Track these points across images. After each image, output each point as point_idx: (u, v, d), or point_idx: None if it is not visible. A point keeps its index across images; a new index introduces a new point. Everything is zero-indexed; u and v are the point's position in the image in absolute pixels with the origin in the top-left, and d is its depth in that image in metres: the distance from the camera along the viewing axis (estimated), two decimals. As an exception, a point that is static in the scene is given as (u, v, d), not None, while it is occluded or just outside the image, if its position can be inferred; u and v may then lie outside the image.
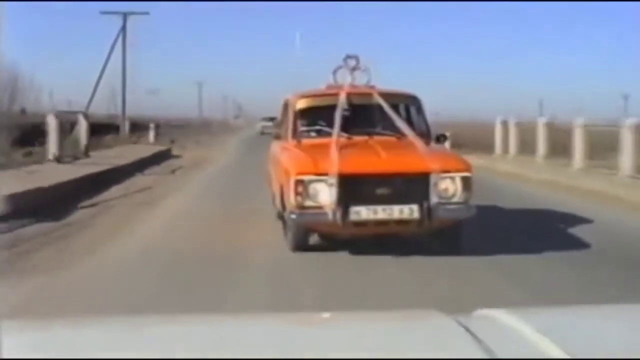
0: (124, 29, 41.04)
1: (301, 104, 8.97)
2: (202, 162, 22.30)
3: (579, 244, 8.10)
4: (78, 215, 10.24)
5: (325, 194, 7.33)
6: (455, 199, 7.47)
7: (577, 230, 8.95)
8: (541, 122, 20.63)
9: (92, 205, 11.29)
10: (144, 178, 16.13)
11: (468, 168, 7.72)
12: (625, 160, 14.77)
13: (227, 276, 6.51)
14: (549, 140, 19.83)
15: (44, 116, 18.23)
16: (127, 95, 41.83)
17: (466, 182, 7.50)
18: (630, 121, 15.07)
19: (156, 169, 19.15)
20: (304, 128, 8.78)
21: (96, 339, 1.43)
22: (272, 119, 54.47)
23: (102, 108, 44.46)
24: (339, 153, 7.60)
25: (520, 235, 8.71)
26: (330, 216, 7.26)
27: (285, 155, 8.43)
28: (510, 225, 9.57)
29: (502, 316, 1.48)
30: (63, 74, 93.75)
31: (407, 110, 9.10)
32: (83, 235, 8.73)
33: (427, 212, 7.29)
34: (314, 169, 7.47)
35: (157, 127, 35.95)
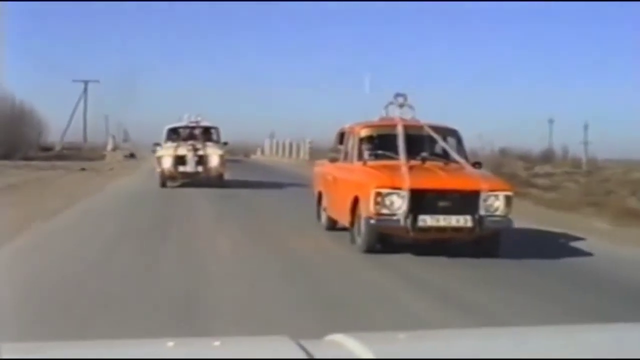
0: (85, 91, 68.56)
1: (364, 132, 10.60)
2: (148, 156, 61.67)
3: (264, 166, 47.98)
4: (140, 159, 49.83)
5: (398, 204, 8.86)
6: (498, 213, 9.03)
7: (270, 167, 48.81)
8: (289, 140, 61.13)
9: (138, 158, 51.16)
10: (140, 157, 55.83)
11: (510, 188, 9.43)
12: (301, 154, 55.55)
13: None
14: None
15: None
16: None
17: (508, 199, 9.07)
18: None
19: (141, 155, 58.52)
20: (367, 152, 10.34)
21: None
22: (157, 144, 76.94)
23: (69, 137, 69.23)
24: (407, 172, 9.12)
25: (264, 170, 47.25)
26: (402, 222, 8.82)
27: (356, 173, 10.13)
28: (264, 167, 48.92)
29: (347, 342, 1.55)
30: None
31: (448, 141, 10.54)
32: (144, 162, 48.20)
33: (478, 222, 8.87)
34: (390, 183, 9.01)
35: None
